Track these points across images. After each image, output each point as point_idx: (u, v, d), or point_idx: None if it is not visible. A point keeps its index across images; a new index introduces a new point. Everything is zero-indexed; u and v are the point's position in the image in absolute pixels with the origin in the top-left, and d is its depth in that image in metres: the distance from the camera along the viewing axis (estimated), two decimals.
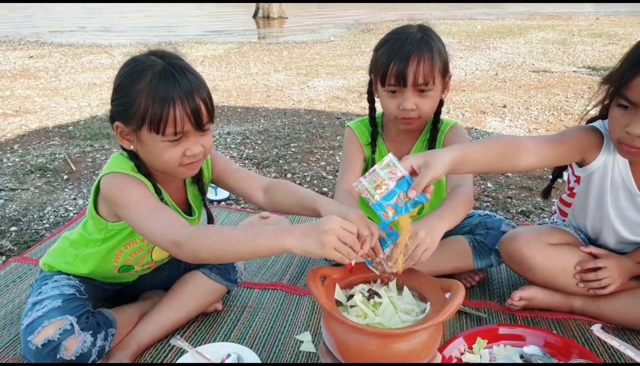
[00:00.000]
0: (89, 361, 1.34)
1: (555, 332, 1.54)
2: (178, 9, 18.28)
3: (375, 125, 1.77)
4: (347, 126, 1.82)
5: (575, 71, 6.27)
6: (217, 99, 5.01)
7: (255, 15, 14.78)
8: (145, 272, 1.63)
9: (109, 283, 1.60)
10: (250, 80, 6.15)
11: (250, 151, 3.51)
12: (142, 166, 1.38)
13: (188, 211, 1.55)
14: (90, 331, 1.35)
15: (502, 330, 1.50)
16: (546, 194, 1.76)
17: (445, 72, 1.63)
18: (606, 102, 1.42)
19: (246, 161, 3.29)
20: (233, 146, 3.63)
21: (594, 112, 1.53)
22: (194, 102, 1.27)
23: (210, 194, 2.68)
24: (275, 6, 14.51)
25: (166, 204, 1.42)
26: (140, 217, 1.28)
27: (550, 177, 1.75)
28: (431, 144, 1.73)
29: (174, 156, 1.31)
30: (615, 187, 1.50)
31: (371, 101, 1.75)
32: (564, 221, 1.76)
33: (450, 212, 1.44)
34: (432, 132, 1.74)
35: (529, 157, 1.40)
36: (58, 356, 1.29)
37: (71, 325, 1.32)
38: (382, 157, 1.68)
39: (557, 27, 10.75)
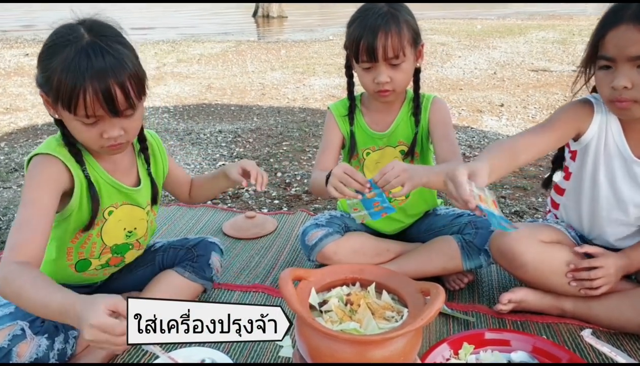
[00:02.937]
0: None
1: (544, 337, 1.48)
2: (177, 8, 18.23)
3: (353, 99, 1.80)
4: (328, 107, 1.84)
5: (574, 70, 6.16)
6: (211, 98, 4.97)
7: (254, 15, 14.74)
8: (110, 269, 1.55)
9: (75, 285, 1.52)
10: (246, 78, 6.09)
11: (241, 150, 3.45)
12: (69, 136, 1.32)
13: (136, 181, 1.50)
14: (46, 335, 1.28)
15: (489, 335, 1.43)
16: (547, 184, 1.74)
17: (416, 42, 1.64)
18: (590, 79, 1.46)
19: (236, 160, 3.22)
20: (224, 144, 3.57)
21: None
22: (106, 87, 1.19)
23: None
24: (274, 5, 14.46)
25: (89, 177, 1.35)
26: (15, 219, 1.23)
27: (551, 166, 1.73)
28: (416, 109, 1.74)
29: (92, 137, 1.26)
30: (610, 155, 1.47)
31: (349, 76, 1.78)
32: (556, 220, 1.70)
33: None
34: (415, 100, 1.75)
35: (526, 154, 1.43)
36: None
37: (22, 329, 1.25)
38: (362, 129, 1.78)
39: (557, 27, 10.67)
